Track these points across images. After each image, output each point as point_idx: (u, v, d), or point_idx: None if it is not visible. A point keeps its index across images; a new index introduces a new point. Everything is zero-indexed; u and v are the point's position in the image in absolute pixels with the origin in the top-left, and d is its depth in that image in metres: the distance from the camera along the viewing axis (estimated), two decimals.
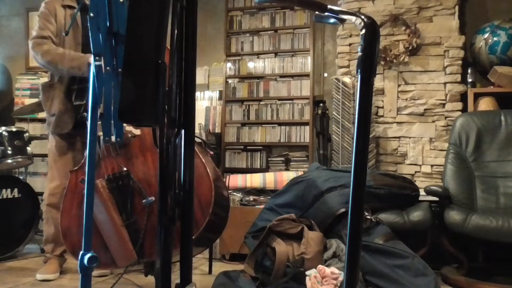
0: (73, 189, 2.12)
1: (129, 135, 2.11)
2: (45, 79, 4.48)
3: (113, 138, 1.56)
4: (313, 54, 4.04)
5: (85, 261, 1.24)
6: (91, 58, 2.26)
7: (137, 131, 2.11)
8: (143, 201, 1.95)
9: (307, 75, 4.04)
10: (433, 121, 3.55)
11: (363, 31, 0.91)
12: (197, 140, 2.20)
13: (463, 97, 3.48)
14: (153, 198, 1.93)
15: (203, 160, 2.00)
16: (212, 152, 2.91)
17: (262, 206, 2.86)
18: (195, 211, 1.91)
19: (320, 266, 2.05)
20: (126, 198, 2.00)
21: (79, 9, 2.43)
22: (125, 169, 2.05)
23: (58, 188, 2.53)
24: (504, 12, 3.55)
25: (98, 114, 1.35)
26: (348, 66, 3.76)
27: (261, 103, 4.15)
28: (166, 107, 1.06)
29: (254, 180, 3.42)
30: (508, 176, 2.81)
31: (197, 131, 3.92)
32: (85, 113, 2.41)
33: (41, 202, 3.35)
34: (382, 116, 3.66)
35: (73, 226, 2.07)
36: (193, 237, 1.86)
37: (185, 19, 1.08)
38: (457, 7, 3.52)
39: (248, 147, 4.15)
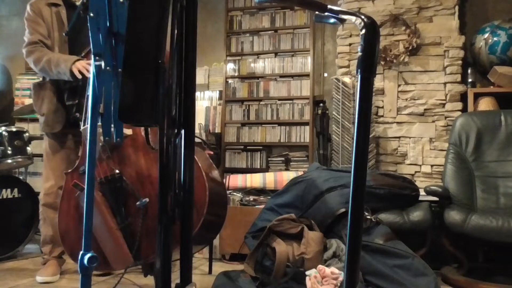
0: (69, 191, 2.08)
1: None
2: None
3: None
4: (313, 54, 4.04)
5: (85, 261, 1.24)
6: (77, 63, 2.27)
7: (128, 131, 2.06)
8: (137, 203, 1.91)
9: (307, 75, 4.04)
10: (433, 121, 3.55)
11: (363, 31, 0.91)
12: (195, 140, 2.18)
13: (463, 97, 3.48)
14: (147, 199, 1.90)
15: (196, 159, 1.97)
16: (212, 152, 2.91)
17: (262, 206, 2.86)
18: None
19: (320, 266, 2.05)
20: (120, 200, 1.97)
21: (80, 8, 2.41)
22: (117, 171, 2.01)
23: (53, 187, 2.53)
24: (504, 12, 3.56)
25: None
26: (348, 66, 3.76)
27: (261, 103, 4.15)
28: (166, 107, 1.06)
29: (254, 180, 3.41)
30: (508, 176, 2.81)
31: (197, 131, 3.92)
32: (77, 114, 2.39)
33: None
34: (382, 116, 3.66)
35: (71, 228, 2.05)
36: None
37: (185, 19, 1.08)
38: (457, 7, 3.52)
39: (248, 147, 4.15)
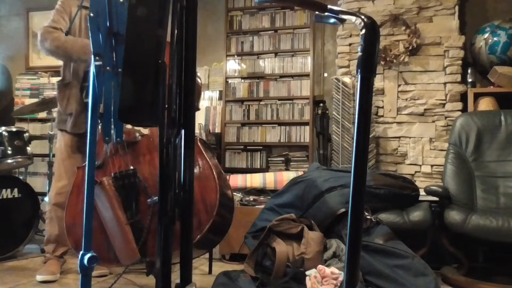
0: (80, 185, 2.12)
1: (138, 134, 2.12)
2: (45, 79, 4.52)
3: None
4: (313, 54, 4.04)
5: (85, 261, 1.24)
6: None
7: (145, 131, 2.13)
8: (148, 200, 1.95)
9: (307, 75, 4.04)
10: (433, 121, 3.55)
11: (363, 31, 0.91)
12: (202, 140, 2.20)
13: (463, 97, 3.48)
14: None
15: (209, 161, 2.01)
16: None
17: (262, 206, 2.86)
18: (200, 212, 1.91)
19: (320, 266, 2.05)
20: (132, 196, 2.01)
21: (80, 6, 2.41)
22: (132, 167, 2.05)
23: (65, 187, 2.49)
24: (504, 12, 3.56)
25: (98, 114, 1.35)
26: (348, 66, 3.76)
27: (261, 103, 4.15)
28: (166, 107, 1.06)
29: (254, 180, 3.42)
30: (508, 176, 2.81)
31: (197, 131, 3.92)
32: None
33: (41, 202, 3.35)
34: (382, 116, 3.67)
35: (78, 222, 2.07)
36: (196, 239, 1.87)
37: (185, 19, 1.08)
38: (457, 7, 3.53)
39: (248, 147, 4.15)
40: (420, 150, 3.56)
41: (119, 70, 1.33)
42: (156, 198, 1.93)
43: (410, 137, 3.60)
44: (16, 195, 3.17)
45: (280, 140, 4.08)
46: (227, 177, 3.51)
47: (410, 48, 3.55)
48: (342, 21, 1.01)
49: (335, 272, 2.00)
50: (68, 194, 2.18)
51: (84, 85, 2.51)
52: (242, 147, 4.16)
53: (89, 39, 2.40)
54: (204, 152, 2.04)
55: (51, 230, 2.61)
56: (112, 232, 1.97)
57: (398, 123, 3.63)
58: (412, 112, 3.59)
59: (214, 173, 1.98)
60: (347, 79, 3.53)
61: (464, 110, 3.43)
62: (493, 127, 2.96)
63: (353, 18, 0.95)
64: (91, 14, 1.32)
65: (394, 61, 3.60)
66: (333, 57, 4.01)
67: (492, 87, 3.40)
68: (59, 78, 2.65)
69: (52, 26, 2.47)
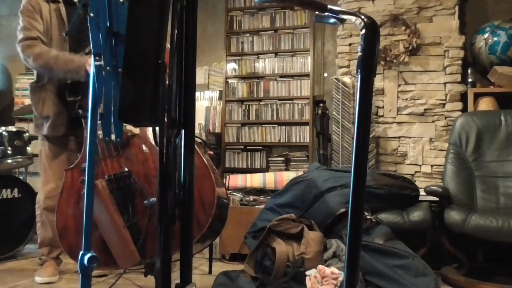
0: (69, 187, 2.07)
1: (129, 134, 2.09)
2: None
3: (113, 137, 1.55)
4: (313, 54, 4.04)
5: (85, 261, 1.24)
6: (89, 61, 2.20)
7: (136, 130, 2.09)
8: (145, 202, 1.92)
9: (307, 75, 4.04)
10: (433, 121, 3.55)
11: (363, 31, 0.91)
12: (197, 140, 2.19)
13: (463, 97, 3.48)
14: (154, 199, 1.91)
15: (204, 161, 1.99)
16: (212, 152, 2.91)
17: (262, 206, 2.86)
18: (198, 213, 1.90)
19: (320, 266, 2.05)
20: (127, 198, 1.97)
21: (80, 6, 2.38)
22: (126, 169, 2.02)
23: (55, 190, 2.43)
24: (504, 12, 3.56)
25: (98, 114, 1.35)
26: (348, 66, 3.76)
27: (261, 103, 4.15)
28: (166, 107, 1.06)
29: (254, 180, 3.41)
30: (508, 176, 2.81)
31: (197, 131, 3.92)
32: (80, 110, 2.31)
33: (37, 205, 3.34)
34: (382, 116, 3.66)
35: (70, 225, 2.04)
36: (196, 239, 1.86)
37: (185, 19, 1.08)
38: (457, 7, 3.53)
39: (248, 147, 4.15)
40: (420, 150, 3.56)
41: (119, 70, 1.33)
42: (152, 199, 1.92)
43: (410, 137, 3.60)
44: (16, 195, 3.17)
45: (280, 140, 4.08)
46: (227, 177, 3.51)
47: (410, 48, 3.54)
48: (342, 21, 1.01)
49: (335, 272, 2.00)
50: (57, 198, 2.13)
51: (66, 83, 2.40)
52: (242, 147, 4.16)
53: (63, 42, 2.36)
54: (199, 152, 2.02)
55: (44, 234, 2.58)
56: (109, 236, 1.95)
57: (398, 123, 3.63)
58: (412, 112, 3.59)
59: (210, 171, 1.95)
60: (347, 79, 3.53)
61: (464, 110, 3.43)
62: (493, 127, 2.96)
63: (353, 18, 0.95)
64: (91, 14, 1.32)
65: (394, 61, 3.60)
66: (333, 57, 4.01)
67: (492, 87, 3.40)
68: (33, 79, 2.51)
69: (28, 37, 2.32)
